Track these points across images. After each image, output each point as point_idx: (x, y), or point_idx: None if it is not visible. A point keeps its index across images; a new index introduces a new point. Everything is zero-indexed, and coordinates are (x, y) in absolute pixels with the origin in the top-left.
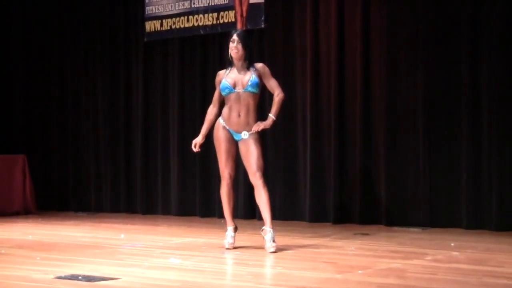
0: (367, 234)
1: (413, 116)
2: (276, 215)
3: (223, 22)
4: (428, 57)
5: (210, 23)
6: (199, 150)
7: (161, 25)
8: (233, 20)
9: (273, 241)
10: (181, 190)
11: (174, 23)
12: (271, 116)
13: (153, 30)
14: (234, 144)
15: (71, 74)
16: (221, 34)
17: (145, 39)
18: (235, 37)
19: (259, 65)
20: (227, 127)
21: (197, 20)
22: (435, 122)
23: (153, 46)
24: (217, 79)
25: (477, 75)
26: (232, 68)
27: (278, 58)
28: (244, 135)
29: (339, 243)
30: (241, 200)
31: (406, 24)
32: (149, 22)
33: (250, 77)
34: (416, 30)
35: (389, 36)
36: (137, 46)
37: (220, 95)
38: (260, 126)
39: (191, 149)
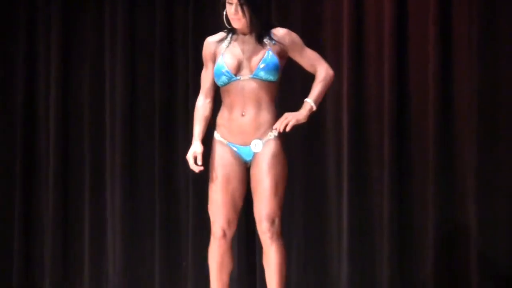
0: None
1: None
2: None
3: None
4: None
5: None
6: (202, 168)
7: None
8: None
9: None
10: (128, 251)
11: None
12: (309, 102)
13: None
14: (240, 171)
15: None
16: None
17: None
18: None
19: (280, 32)
20: (226, 142)
21: None
22: None
23: (78, 4)
24: (206, 52)
25: None
26: (235, 36)
27: (295, 27)
28: (255, 146)
29: None
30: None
31: None
32: None
33: (263, 54)
34: None
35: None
36: (49, 3)
37: (214, 81)
38: (288, 119)
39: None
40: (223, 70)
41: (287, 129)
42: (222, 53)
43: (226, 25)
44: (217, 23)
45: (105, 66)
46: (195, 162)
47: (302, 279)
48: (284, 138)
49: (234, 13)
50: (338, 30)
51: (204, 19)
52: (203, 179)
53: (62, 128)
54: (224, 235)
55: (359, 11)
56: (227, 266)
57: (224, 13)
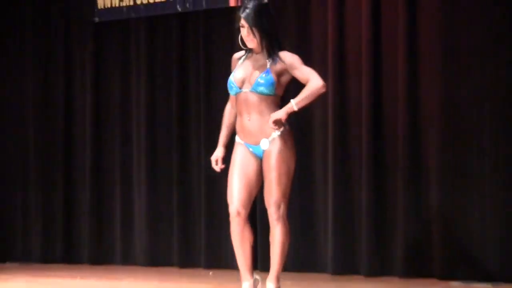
0: None
1: (480, 128)
2: (287, 264)
3: None
4: (500, 47)
5: None
6: (223, 166)
7: None
8: None
9: None
10: (150, 230)
11: None
12: (291, 102)
13: (109, 6)
14: (255, 165)
15: None
16: (207, 12)
17: (96, 19)
18: (243, 21)
19: (284, 54)
20: (243, 142)
21: None
22: (508, 135)
23: (108, 28)
24: (231, 66)
25: None
26: (250, 55)
27: (287, 45)
28: (264, 144)
29: None
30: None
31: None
32: None
33: (261, 72)
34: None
35: (445, 16)
36: (84, 29)
37: None
38: (272, 118)
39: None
40: (232, 84)
41: (271, 125)
42: (235, 69)
43: (242, 46)
44: (223, 44)
45: (131, 82)
46: (216, 164)
47: (296, 254)
48: (289, 136)
49: (246, 35)
50: (324, 49)
51: (212, 40)
52: (213, 174)
53: (96, 132)
54: (239, 213)
55: (340, 35)
56: (248, 239)
57: (239, 36)
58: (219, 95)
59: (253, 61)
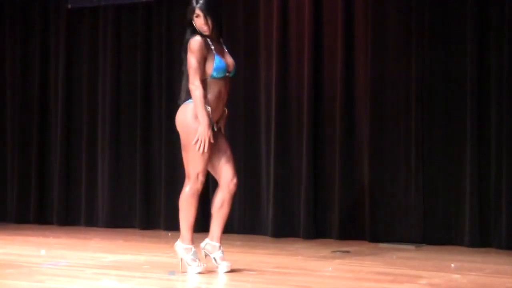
0: (347, 252)
1: (405, 108)
2: (235, 227)
3: None
4: (425, 34)
5: None
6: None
7: None
8: None
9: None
10: (114, 195)
11: None
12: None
13: None
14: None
15: None
16: (170, 1)
17: (69, 5)
18: (198, 11)
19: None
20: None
21: None
22: (432, 116)
23: (79, 15)
24: (200, 48)
25: (486, 57)
26: (211, 42)
27: (238, 33)
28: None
29: (313, 262)
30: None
31: None
32: None
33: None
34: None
35: (376, 6)
36: (57, 15)
37: (204, 73)
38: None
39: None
40: (223, 67)
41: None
42: (217, 53)
43: (192, 27)
44: (183, 29)
45: (99, 61)
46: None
47: (241, 218)
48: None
49: (203, 23)
50: (269, 36)
51: (173, 26)
52: (173, 143)
53: (66, 104)
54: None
55: (285, 23)
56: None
57: (194, 22)
58: (178, 72)
59: (221, 47)
